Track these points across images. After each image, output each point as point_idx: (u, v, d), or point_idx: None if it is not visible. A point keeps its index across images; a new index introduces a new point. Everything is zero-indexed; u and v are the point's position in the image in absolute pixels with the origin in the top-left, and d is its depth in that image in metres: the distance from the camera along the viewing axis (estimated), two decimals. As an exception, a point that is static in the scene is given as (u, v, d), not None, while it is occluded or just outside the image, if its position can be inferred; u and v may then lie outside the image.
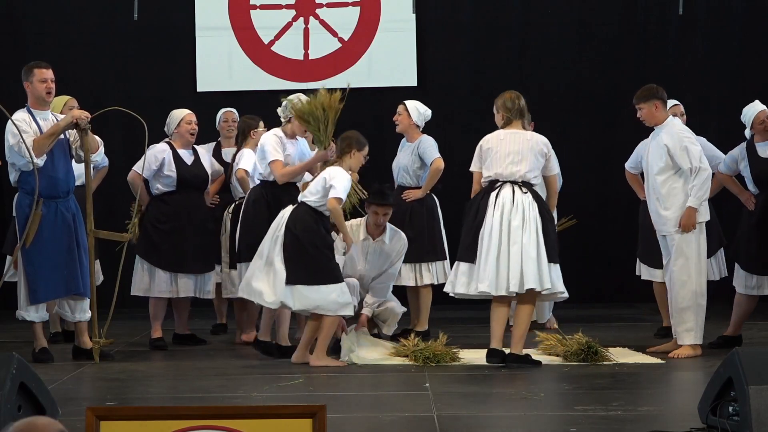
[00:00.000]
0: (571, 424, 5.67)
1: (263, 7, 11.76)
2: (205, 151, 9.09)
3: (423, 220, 9.08)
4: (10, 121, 7.88)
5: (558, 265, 7.64)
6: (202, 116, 11.02)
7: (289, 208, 7.85)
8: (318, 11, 11.75)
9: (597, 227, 11.56)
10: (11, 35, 11.73)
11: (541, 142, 7.81)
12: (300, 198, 7.89)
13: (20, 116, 7.94)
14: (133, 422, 3.78)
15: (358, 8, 11.72)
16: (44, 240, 7.85)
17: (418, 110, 9.23)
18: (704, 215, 7.99)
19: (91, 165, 8.15)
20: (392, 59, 11.65)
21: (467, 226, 7.69)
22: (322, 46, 11.71)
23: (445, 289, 7.82)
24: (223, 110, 9.88)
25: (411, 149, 9.18)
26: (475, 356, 7.85)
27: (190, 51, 11.73)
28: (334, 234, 8.27)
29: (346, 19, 11.70)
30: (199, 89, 11.72)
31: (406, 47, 11.70)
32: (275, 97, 11.47)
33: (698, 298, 7.99)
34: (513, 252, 7.53)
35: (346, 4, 11.73)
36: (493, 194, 7.63)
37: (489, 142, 7.81)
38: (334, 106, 8.13)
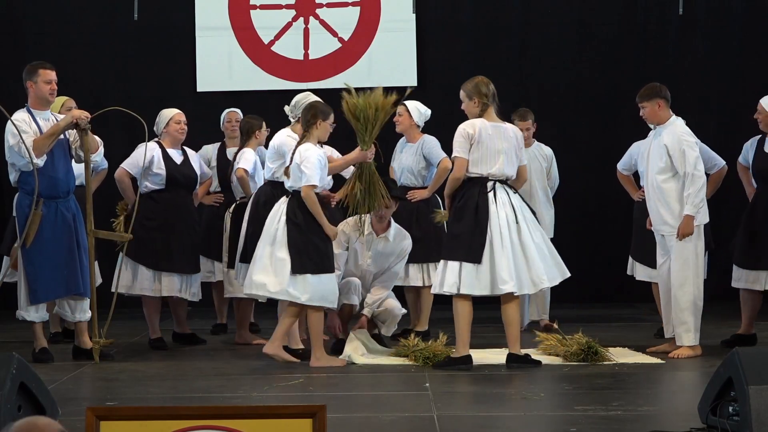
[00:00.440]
0: (571, 424, 5.67)
1: (263, 7, 11.76)
2: (194, 154, 9.04)
3: (430, 220, 9.12)
4: (9, 121, 7.88)
5: None
6: (202, 116, 11.05)
7: (284, 200, 7.83)
8: (318, 11, 11.75)
9: (597, 227, 11.57)
10: (11, 35, 11.73)
11: (520, 136, 7.82)
12: (287, 186, 7.87)
13: (20, 116, 7.94)
14: (133, 422, 3.79)
15: (358, 8, 11.72)
16: (44, 240, 7.86)
17: (418, 110, 9.24)
18: (702, 218, 8.00)
19: (91, 165, 8.15)
20: (392, 59, 11.65)
21: (466, 226, 7.50)
22: (322, 46, 11.71)
23: (445, 290, 7.57)
24: (227, 110, 9.87)
25: (414, 150, 9.19)
26: (476, 356, 7.84)
27: (190, 51, 11.73)
28: (339, 226, 8.28)
29: (346, 19, 11.71)
30: (199, 89, 11.72)
31: (406, 47, 11.70)
32: (275, 97, 11.50)
33: (696, 299, 8.00)
34: (530, 252, 7.55)
35: (346, 4, 11.73)
36: (491, 195, 7.60)
37: (478, 132, 7.57)
38: (386, 108, 8.07)
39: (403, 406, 6.39)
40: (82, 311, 8.11)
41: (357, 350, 7.97)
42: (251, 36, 11.74)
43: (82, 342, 8.20)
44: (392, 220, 8.58)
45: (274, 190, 8.30)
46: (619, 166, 9.11)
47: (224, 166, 9.45)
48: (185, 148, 8.94)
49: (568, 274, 7.77)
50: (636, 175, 8.90)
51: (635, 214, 9.00)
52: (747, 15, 11.69)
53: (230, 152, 9.48)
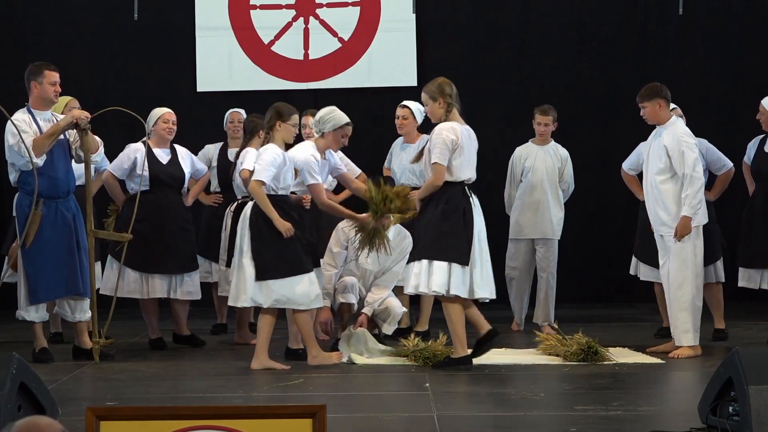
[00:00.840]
0: (571, 424, 5.67)
1: (263, 7, 11.76)
2: (186, 153, 8.96)
3: None
4: (9, 121, 7.88)
5: None
6: (203, 116, 11.06)
7: (251, 204, 7.78)
8: (318, 11, 11.75)
9: (597, 227, 11.57)
10: (11, 35, 11.73)
11: (474, 136, 7.81)
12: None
13: (20, 116, 7.94)
14: (133, 422, 3.79)
15: (358, 8, 11.72)
16: (44, 240, 7.86)
17: (419, 111, 9.27)
18: (701, 219, 8.00)
19: (91, 165, 8.15)
20: (392, 59, 11.65)
21: (455, 228, 7.48)
22: (322, 46, 11.71)
23: (434, 290, 7.50)
24: (230, 111, 9.85)
25: (415, 150, 9.19)
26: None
27: (190, 51, 11.73)
28: (340, 225, 8.28)
29: (346, 19, 11.70)
30: (199, 89, 11.72)
31: (406, 47, 11.69)
32: (275, 97, 11.47)
33: (695, 299, 8.00)
34: (486, 257, 7.66)
35: (346, 4, 11.73)
36: (471, 199, 7.61)
37: (459, 137, 7.56)
38: (397, 203, 7.94)
39: (403, 406, 6.39)
40: (82, 311, 8.11)
41: (356, 349, 7.97)
42: (251, 36, 11.73)
43: (82, 342, 8.20)
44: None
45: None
46: (625, 165, 9.08)
47: (225, 166, 9.43)
48: (176, 146, 8.86)
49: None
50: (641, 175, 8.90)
51: (640, 214, 9.00)
52: (747, 15, 11.69)
53: (231, 153, 9.46)
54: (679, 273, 7.99)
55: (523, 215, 9.50)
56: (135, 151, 8.67)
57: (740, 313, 9.66)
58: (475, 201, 7.64)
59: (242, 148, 9.07)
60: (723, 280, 8.87)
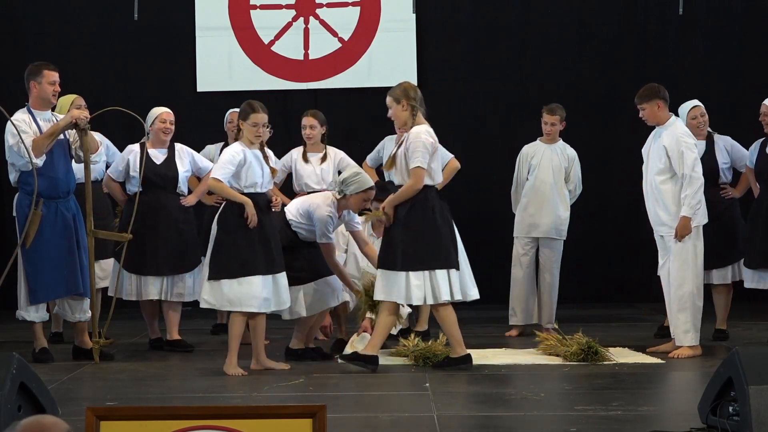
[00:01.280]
0: (571, 424, 5.67)
1: (263, 7, 11.76)
2: (186, 152, 8.90)
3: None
4: (9, 121, 7.88)
5: None
6: (203, 116, 11.06)
7: (223, 205, 7.73)
8: (318, 11, 11.75)
9: (597, 227, 11.56)
10: (11, 35, 11.73)
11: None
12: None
13: (20, 116, 7.94)
14: (133, 422, 3.78)
15: (358, 8, 11.72)
16: (44, 240, 7.86)
17: None
18: (701, 219, 8.00)
19: (91, 165, 8.15)
20: (392, 59, 11.64)
21: (445, 235, 7.48)
22: (322, 46, 11.71)
23: (443, 299, 7.47)
24: (230, 111, 9.83)
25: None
26: (476, 356, 7.84)
27: (190, 51, 11.73)
28: (340, 228, 8.26)
29: (346, 19, 11.70)
30: (199, 89, 11.72)
31: (406, 47, 11.69)
32: (275, 97, 11.51)
33: (695, 299, 8.00)
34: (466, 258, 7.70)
35: (346, 4, 11.73)
36: (444, 203, 7.61)
37: (435, 140, 7.57)
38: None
39: (403, 406, 6.39)
40: (82, 311, 8.11)
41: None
42: (251, 36, 11.73)
43: (82, 342, 8.20)
44: None
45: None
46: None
47: (226, 166, 9.42)
48: (177, 145, 8.80)
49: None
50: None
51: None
52: (747, 15, 11.69)
53: (231, 153, 9.46)
54: (680, 273, 7.99)
55: (528, 214, 9.47)
56: (129, 152, 8.67)
57: (740, 313, 9.65)
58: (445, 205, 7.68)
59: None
60: (742, 279, 8.87)
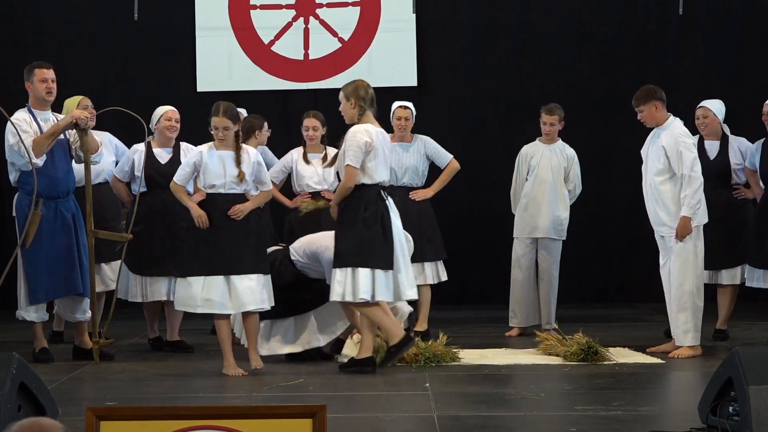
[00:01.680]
0: (571, 424, 5.67)
1: (263, 7, 11.76)
2: (192, 149, 8.89)
3: (431, 220, 9.19)
4: (9, 121, 7.88)
5: None
6: (203, 116, 11.01)
7: None
8: (318, 11, 11.75)
9: (597, 227, 11.57)
10: (11, 35, 11.74)
11: (389, 139, 7.85)
12: None
13: (21, 116, 7.94)
14: (133, 422, 3.79)
15: (358, 8, 11.72)
16: (44, 240, 7.86)
17: (413, 111, 9.30)
18: (701, 219, 8.00)
19: (91, 165, 8.14)
20: (392, 59, 11.65)
21: (376, 233, 7.47)
22: (322, 46, 11.72)
23: (361, 297, 7.42)
24: None
25: (416, 150, 9.22)
26: (475, 356, 7.85)
27: (190, 51, 11.74)
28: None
29: (346, 19, 11.71)
30: (199, 89, 11.72)
31: (406, 47, 11.70)
32: (275, 97, 11.52)
33: (695, 299, 8.00)
34: (408, 259, 7.74)
35: (346, 4, 11.73)
36: (387, 202, 7.61)
37: (374, 139, 7.54)
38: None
39: (403, 406, 6.39)
40: (82, 311, 8.11)
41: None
42: (251, 36, 11.74)
43: (82, 342, 8.20)
44: None
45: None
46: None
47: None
48: (183, 144, 8.77)
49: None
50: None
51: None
52: (747, 15, 11.70)
53: (232, 153, 9.46)
54: (680, 273, 7.98)
55: (528, 214, 9.46)
56: (135, 151, 8.66)
57: (740, 313, 9.65)
58: (390, 203, 7.66)
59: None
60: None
